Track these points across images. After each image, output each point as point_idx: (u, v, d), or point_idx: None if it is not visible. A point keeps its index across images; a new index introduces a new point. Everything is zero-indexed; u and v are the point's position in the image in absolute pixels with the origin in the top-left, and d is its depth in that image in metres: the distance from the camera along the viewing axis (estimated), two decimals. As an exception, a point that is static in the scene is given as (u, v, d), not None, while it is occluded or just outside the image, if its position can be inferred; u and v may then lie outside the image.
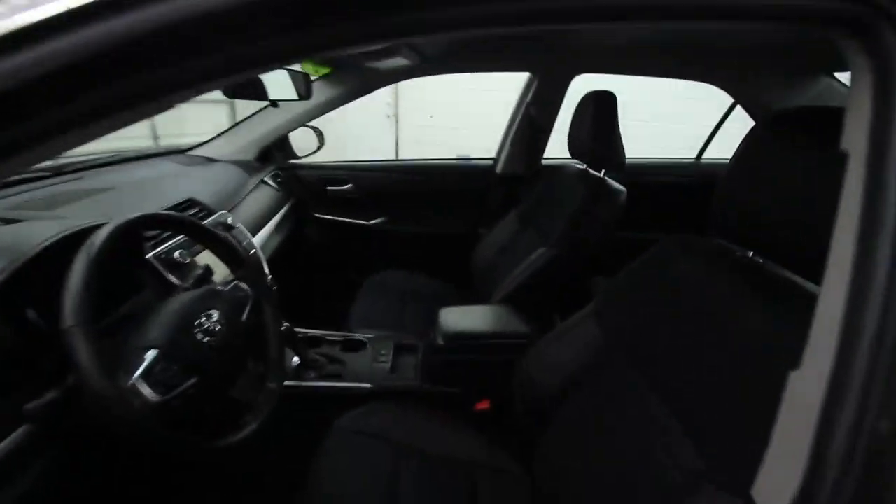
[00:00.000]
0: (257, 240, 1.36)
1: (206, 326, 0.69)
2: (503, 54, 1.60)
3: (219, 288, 0.80)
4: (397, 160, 1.96)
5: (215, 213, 1.20)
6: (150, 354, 0.60)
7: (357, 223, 1.93)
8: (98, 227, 0.63)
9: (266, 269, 1.26)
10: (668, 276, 0.81)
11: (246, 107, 1.71)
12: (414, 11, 0.31)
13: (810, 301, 0.43)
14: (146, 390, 0.57)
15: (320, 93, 1.61)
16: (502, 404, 1.06)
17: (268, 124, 1.69)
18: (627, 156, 1.33)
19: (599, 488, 0.75)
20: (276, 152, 1.86)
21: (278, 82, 1.24)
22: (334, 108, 1.65)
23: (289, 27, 0.29)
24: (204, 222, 1.12)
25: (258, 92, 1.19)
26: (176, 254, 0.93)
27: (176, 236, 0.98)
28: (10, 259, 0.59)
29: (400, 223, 1.98)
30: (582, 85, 1.52)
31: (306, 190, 1.90)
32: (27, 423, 0.53)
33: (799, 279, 0.67)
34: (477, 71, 1.65)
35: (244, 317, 0.81)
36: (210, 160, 1.66)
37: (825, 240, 0.42)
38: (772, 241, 0.66)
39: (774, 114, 0.67)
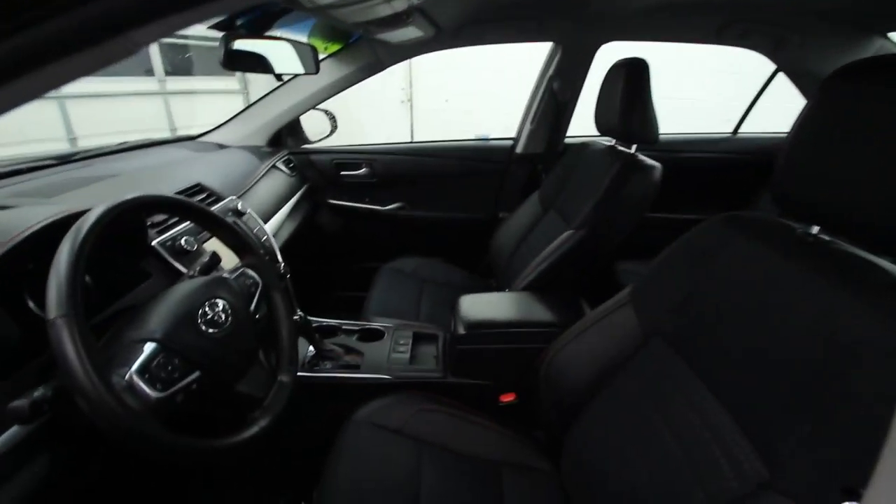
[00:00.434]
0: (269, 226, 1.31)
1: (209, 316, 0.64)
2: (523, 23, 1.50)
3: (225, 276, 0.74)
4: (412, 142, 1.87)
5: (224, 198, 1.15)
6: (149, 347, 0.55)
7: (372, 209, 1.86)
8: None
9: (279, 257, 1.21)
10: (718, 257, 0.72)
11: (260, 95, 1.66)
12: None
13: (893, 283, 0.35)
14: (143, 386, 0.52)
15: (330, 72, 1.54)
16: (529, 397, 0.99)
17: (277, 108, 1.63)
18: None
19: (637, 490, 0.68)
20: (287, 137, 1.81)
21: (283, 56, 1.16)
22: (345, 87, 1.58)
23: None
24: (212, 208, 1.07)
25: (259, 64, 1.13)
26: (182, 240, 0.89)
27: (182, 223, 0.94)
28: None
29: (416, 208, 1.91)
30: (608, 57, 1.40)
31: (320, 175, 1.84)
32: (14, 422, 0.48)
33: (877, 259, 0.59)
34: (495, 42, 1.54)
35: (252, 306, 0.75)
36: (221, 146, 1.62)
37: None
38: (843, 213, 0.57)
39: (843, 67, 0.58)
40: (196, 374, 0.58)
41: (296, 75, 1.58)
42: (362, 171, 1.83)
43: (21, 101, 0.27)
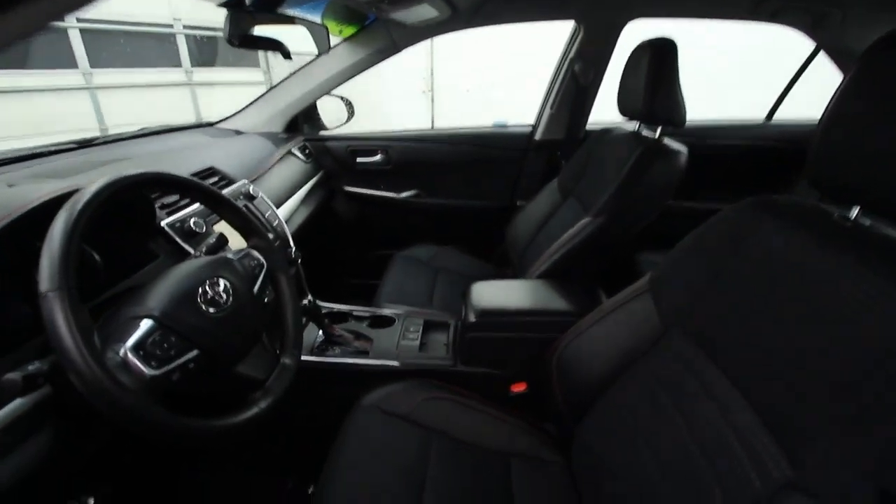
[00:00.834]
0: (282, 211, 1.31)
1: (209, 296, 0.63)
2: (542, 0, 1.44)
3: (230, 256, 0.74)
4: (428, 129, 1.84)
5: (236, 182, 1.15)
6: (145, 324, 0.55)
7: (387, 196, 1.85)
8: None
9: (290, 241, 1.20)
10: (745, 244, 0.67)
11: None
12: None
13: None
14: (138, 363, 0.51)
15: (345, 56, 1.52)
16: (541, 387, 0.96)
17: (292, 94, 1.62)
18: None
19: (651, 486, 0.65)
20: (304, 123, 1.80)
21: (294, 37, 1.15)
22: (359, 71, 1.56)
23: None
24: (223, 191, 1.07)
25: (268, 43, 1.11)
26: (191, 222, 0.88)
27: (193, 205, 0.94)
28: None
29: (432, 195, 1.88)
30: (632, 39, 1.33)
31: (336, 162, 1.83)
32: (9, 394, 0.48)
33: None
34: (513, 22, 1.48)
35: (256, 288, 0.74)
36: (238, 132, 1.63)
37: None
38: (886, 192, 0.52)
39: (889, 35, 0.53)
40: (194, 353, 0.58)
41: (310, 61, 1.57)
42: (377, 157, 1.81)
43: (26, 30, 0.25)
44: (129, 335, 0.53)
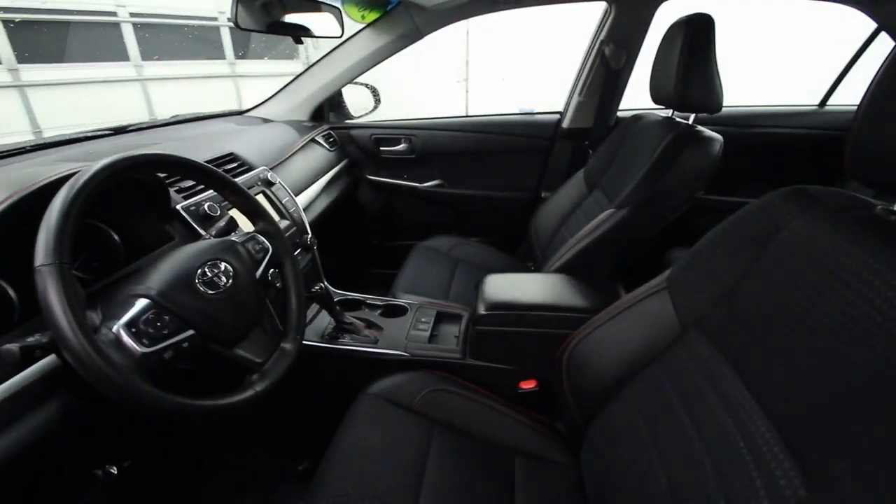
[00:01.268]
0: (302, 198, 1.32)
1: (208, 277, 0.64)
2: None
3: (235, 240, 0.74)
4: (452, 117, 1.81)
5: (255, 168, 1.17)
6: (140, 303, 0.56)
7: (410, 185, 1.83)
8: None
9: (307, 228, 1.21)
10: (774, 239, 0.61)
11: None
12: None
13: None
14: (129, 340, 0.52)
15: (368, 43, 1.51)
16: (550, 385, 0.93)
17: (317, 82, 1.63)
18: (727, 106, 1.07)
19: (656, 497, 0.60)
20: (329, 112, 1.82)
21: (305, 18, 1.14)
22: (383, 59, 1.54)
23: None
24: (242, 177, 1.09)
25: (277, 27, 1.11)
26: (206, 206, 0.90)
27: (209, 189, 0.96)
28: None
29: (455, 186, 1.86)
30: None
31: (360, 150, 1.84)
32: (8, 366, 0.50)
33: None
34: (540, 4, 1.41)
35: (259, 272, 0.75)
36: (265, 120, 1.66)
37: None
38: None
39: None
40: (189, 333, 0.58)
41: (333, 49, 1.57)
42: (401, 146, 1.80)
43: None
44: (125, 313, 0.54)
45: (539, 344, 0.97)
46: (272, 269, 0.83)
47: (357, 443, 0.81)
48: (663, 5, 1.40)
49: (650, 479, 0.63)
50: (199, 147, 1.15)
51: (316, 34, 1.26)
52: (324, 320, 1.13)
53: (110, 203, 0.78)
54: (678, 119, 1.18)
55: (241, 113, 1.73)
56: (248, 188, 1.07)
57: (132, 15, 4.77)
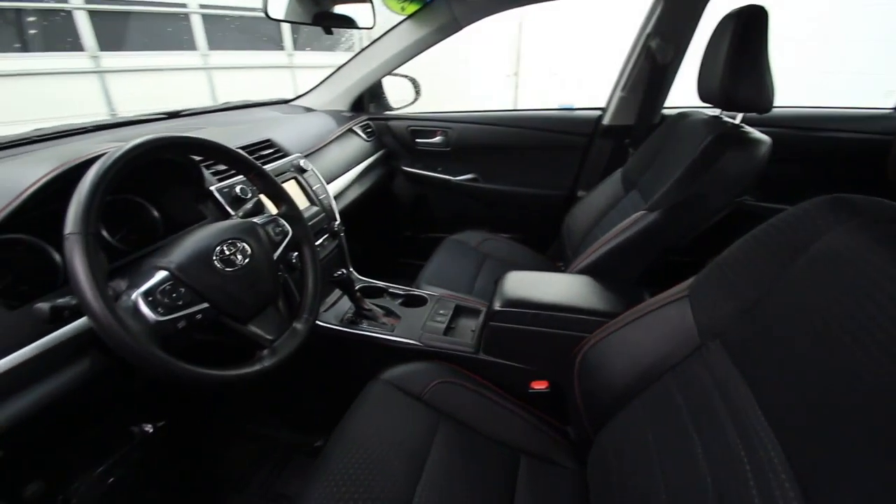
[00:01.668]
0: (334, 186, 1.36)
1: (226, 255, 0.67)
2: None
3: (256, 221, 0.78)
4: (490, 111, 1.78)
5: (290, 155, 1.21)
6: (159, 275, 0.60)
7: (443, 178, 1.84)
8: None
9: (336, 215, 1.25)
10: (808, 251, 0.56)
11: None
12: None
13: None
14: (145, 308, 0.57)
15: (407, 34, 1.52)
16: (562, 388, 0.91)
17: (357, 73, 1.67)
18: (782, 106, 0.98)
19: None
20: (369, 102, 1.85)
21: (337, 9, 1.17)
22: (422, 50, 1.55)
23: None
24: (276, 163, 1.14)
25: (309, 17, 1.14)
26: (238, 188, 0.95)
27: (239, 173, 1.01)
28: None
29: (489, 180, 1.84)
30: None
31: (397, 141, 1.86)
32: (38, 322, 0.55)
33: None
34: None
35: (277, 253, 0.78)
36: (308, 109, 1.72)
37: None
38: None
39: None
40: (203, 306, 0.62)
41: (373, 41, 1.59)
42: (437, 139, 1.80)
43: None
44: (144, 282, 0.59)
45: (553, 345, 0.95)
46: (294, 252, 0.86)
47: (363, 426, 0.83)
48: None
49: (652, 495, 0.61)
50: (240, 132, 1.21)
51: (346, 25, 1.28)
52: (345, 305, 1.16)
53: (151, 181, 0.84)
54: (726, 118, 1.10)
55: (286, 102, 1.80)
56: (281, 174, 1.12)
57: (201, 7, 5.08)
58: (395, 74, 1.74)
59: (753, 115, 0.99)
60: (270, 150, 1.18)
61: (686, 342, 0.69)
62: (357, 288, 1.14)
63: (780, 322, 0.56)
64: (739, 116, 1.03)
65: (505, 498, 0.77)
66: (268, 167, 1.09)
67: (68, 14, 4.25)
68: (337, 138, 1.53)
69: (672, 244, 1.08)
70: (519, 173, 1.80)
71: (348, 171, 1.50)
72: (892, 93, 1.51)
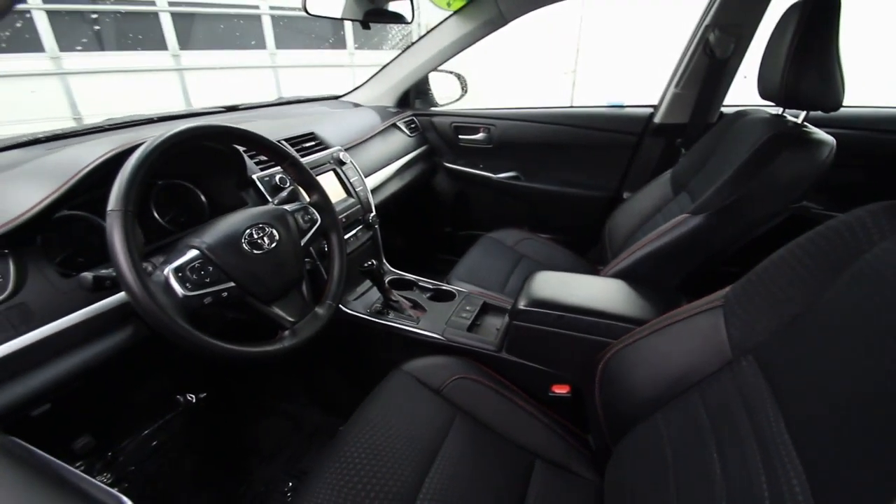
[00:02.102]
0: (373, 179, 1.40)
1: (254, 238, 0.71)
2: None
3: (286, 208, 0.82)
4: (535, 107, 1.74)
5: (331, 147, 1.26)
6: (191, 253, 0.65)
7: (484, 175, 1.82)
8: None
9: (372, 207, 1.28)
10: (856, 262, 0.50)
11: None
12: None
13: None
14: (174, 283, 0.61)
15: (452, 30, 1.52)
16: (584, 393, 0.87)
17: (403, 70, 1.69)
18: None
19: None
20: (415, 99, 1.87)
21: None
22: (467, 45, 1.54)
23: None
24: (316, 155, 1.19)
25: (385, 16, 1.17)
26: (277, 177, 1.00)
27: (272, 161, 1.05)
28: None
29: (531, 179, 1.80)
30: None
31: (440, 137, 1.87)
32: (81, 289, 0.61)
33: None
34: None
35: (304, 240, 0.82)
36: (356, 105, 1.77)
37: None
38: None
39: None
40: (229, 285, 0.66)
41: (419, 38, 1.61)
42: (479, 135, 1.79)
43: None
44: (176, 259, 0.63)
45: (577, 349, 0.92)
46: (324, 240, 0.89)
47: (380, 413, 0.85)
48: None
49: None
50: (287, 125, 1.27)
51: (393, 20, 1.30)
52: (374, 295, 1.19)
53: (199, 168, 0.91)
54: (788, 117, 1.01)
55: (336, 97, 1.87)
56: (320, 165, 1.17)
57: (271, 8, 5.40)
58: (442, 71, 1.76)
59: (819, 114, 0.90)
60: (312, 143, 1.23)
61: (716, 356, 0.64)
62: (387, 280, 1.16)
63: (821, 341, 0.50)
64: (802, 115, 0.94)
65: (514, 501, 0.75)
66: (308, 158, 1.14)
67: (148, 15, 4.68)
68: (380, 133, 1.57)
69: (717, 251, 1.01)
70: (562, 172, 1.75)
71: (389, 165, 1.53)
72: None
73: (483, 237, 1.63)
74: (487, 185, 1.85)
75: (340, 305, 1.11)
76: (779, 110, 1.05)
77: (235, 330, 0.82)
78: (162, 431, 1.09)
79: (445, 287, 1.24)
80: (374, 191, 1.36)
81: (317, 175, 1.07)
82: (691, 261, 1.03)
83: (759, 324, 0.60)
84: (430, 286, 1.25)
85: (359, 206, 1.22)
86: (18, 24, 4.01)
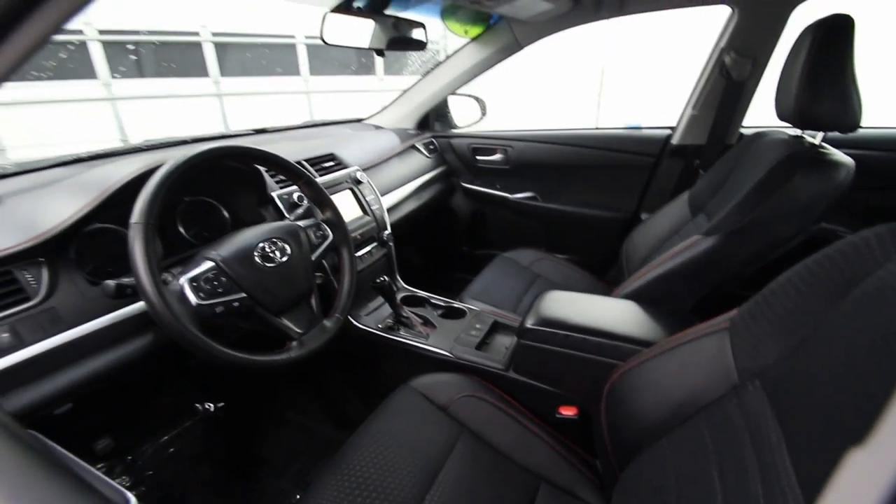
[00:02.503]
0: (389, 198, 1.44)
1: (266, 251, 0.75)
2: None
3: (299, 224, 0.86)
4: (555, 129, 1.76)
5: (349, 167, 1.31)
6: (206, 264, 0.69)
7: (501, 195, 1.84)
8: None
9: (387, 225, 1.31)
10: (863, 285, 0.49)
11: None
12: None
13: None
14: (189, 292, 0.65)
15: (470, 56, 1.57)
16: (592, 416, 0.86)
17: (423, 94, 1.75)
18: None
19: None
20: (435, 121, 1.93)
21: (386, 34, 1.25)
22: (484, 70, 1.60)
23: None
24: (333, 174, 1.24)
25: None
26: (296, 195, 1.04)
27: (288, 179, 1.10)
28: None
29: (548, 200, 1.81)
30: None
31: (459, 159, 1.91)
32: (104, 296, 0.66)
33: None
34: (648, 10, 1.30)
35: (315, 255, 0.85)
36: (377, 128, 1.84)
37: None
38: None
39: None
40: (241, 295, 0.70)
41: (439, 63, 1.67)
42: (496, 156, 1.82)
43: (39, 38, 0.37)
44: (192, 270, 0.67)
45: (584, 370, 0.91)
46: (335, 255, 0.93)
47: (385, 428, 0.85)
48: (802, 6, 1.18)
49: None
50: (309, 147, 1.34)
51: (413, 48, 1.36)
52: (386, 311, 1.21)
53: (223, 186, 0.97)
54: (807, 138, 0.99)
55: (358, 120, 1.94)
56: (337, 184, 1.21)
57: (306, 37, 5.70)
58: (461, 94, 1.81)
59: (837, 134, 0.88)
60: (331, 163, 1.28)
61: (722, 380, 0.63)
62: (400, 297, 1.18)
63: (825, 365, 0.49)
64: (819, 136, 0.92)
65: None
66: (325, 178, 1.19)
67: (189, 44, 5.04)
68: (398, 154, 1.62)
69: (733, 274, 0.98)
70: (579, 193, 1.75)
71: (406, 184, 1.57)
72: None
73: (499, 256, 1.64)
74: (504, 205, 1.86)
75: (352, 320, 1.13)
76: (798, 131, 1.03)
77: (248, 341, 0.85)
78: (180, 438, 1.13)
79: (457, 305, 1.25)
80: (390, 209, 1.39)
81: (333, 193, 1.12)
82: (705, 283, 1.01)
83: (766, 347, 0.58)
84: (442, 303, 1.26)
85: (374, 223, 1.26)
86: (63, 55, 4.39)
